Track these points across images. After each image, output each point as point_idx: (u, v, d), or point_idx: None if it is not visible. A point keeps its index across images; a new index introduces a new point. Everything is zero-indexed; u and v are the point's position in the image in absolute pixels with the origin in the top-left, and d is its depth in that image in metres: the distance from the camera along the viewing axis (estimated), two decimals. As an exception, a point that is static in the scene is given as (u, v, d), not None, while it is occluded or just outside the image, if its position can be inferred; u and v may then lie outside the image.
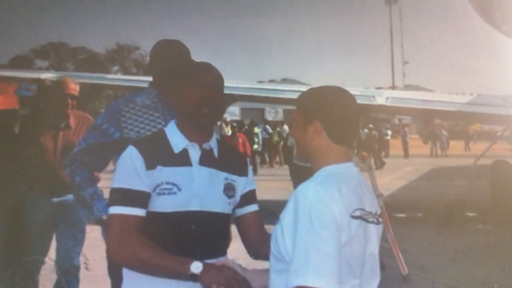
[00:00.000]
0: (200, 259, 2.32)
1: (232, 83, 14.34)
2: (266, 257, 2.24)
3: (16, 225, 4.82)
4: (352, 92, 2.31)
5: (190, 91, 2.53)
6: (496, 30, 15.05)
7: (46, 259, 5.06)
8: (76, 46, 60.28)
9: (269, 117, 49.34)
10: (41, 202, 4.90)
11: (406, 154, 34.42)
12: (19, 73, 18.03)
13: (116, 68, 60.65)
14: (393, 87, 48.46)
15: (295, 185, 2.03)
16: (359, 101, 2.33)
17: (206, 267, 2.27)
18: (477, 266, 8.19)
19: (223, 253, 2.66)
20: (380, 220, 2.25)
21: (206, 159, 2.59)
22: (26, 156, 4.86)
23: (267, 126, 29.97)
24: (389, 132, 35.62)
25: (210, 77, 2.59)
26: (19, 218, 4.83)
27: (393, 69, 57.01)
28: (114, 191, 2.47)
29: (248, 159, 2.97)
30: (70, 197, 4.78)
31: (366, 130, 28.87)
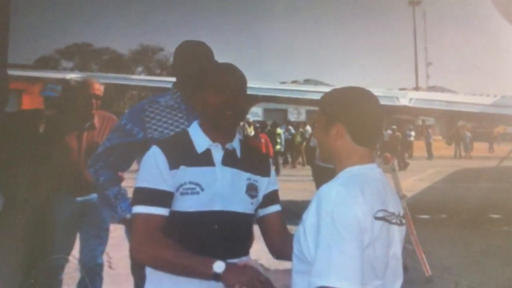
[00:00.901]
0: (223, 259, 2.32)
1: (255, 84, 14.34)
2: (288, 258, 2.24)
3: (41, 224, 4.85)
4: (375, 93, 2.31)
5: (213, 93, 2.54)
6: None
7: (70, 258, 5.09)
8: (100, 47, 60.71)
9: (292, 118, 49.32)
10: (66, 201, 4.93)
11: (430, 156, 34.25)
12: (44, 73, 18.20)
13: (140, 69, 60.99)
14: (416, 88, 48.24)
15: (318, 186, 2.03)
16: (382, 102, 2.32)
17: (228, 267, 2.28)
18: (501, 268, 8.11)
19: (246, 253, 2.66)
20: (403, 221, 2.24)
21: (229, 160, 2.60)
22: (51, 156, 4.89)
23: (290, 127, 29.96)
24: (413, 133, 35.48)
25: (233, 78, 2.59)
26: (43, 218, 4.85)
27: (417, 71, 56.79)
28: (137, 191, 2.49)
29: (270, 160, 2.96)
30: (94, 196, 4.81)
31: (389, 131, 28.76)
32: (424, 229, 9.79)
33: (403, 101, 13.86)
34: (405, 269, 2.27)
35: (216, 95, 2.53)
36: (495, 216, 12.63)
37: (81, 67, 54.70)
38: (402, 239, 2.23)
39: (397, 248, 2.17)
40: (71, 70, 47.93)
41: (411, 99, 14.13)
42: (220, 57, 3.35)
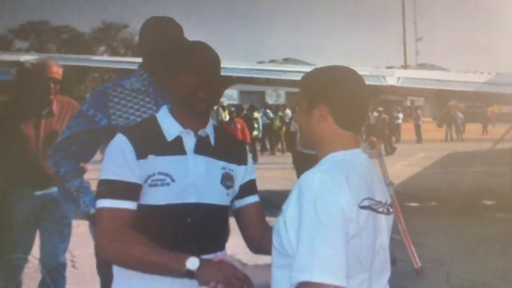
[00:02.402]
0: (197, 254, 2.32)
1: (230, 64, 14.30)
2: (267, 252, 2.23)
3: None
4: (361, 72, 2.31)
5: (184, 74, 2.52)
6: None
7: (30, 257, 5.07)
8: (58, 25, 60.24)
9: (270, 100, 49.33)
10: (23, 196, 4.90)
11: (419, 139, 34.51)
12: (-4, 55, 18.02)
13: (102, 48, 60.64)
14: (405, 66, 48.44)
15: (299, 174, 2.03)
16: (368, 82, 2.33)
17: (203, 263, 2.27)
18: (496, 257, 8.21)
19: (222, 248, 2.67)
20: (391, 210, 2.25)
21: (202, 147, 2.59)
22: (6, 147, 4.86)
23: (268, 111, 29.98)
24: (401, 115, 35.67)
25: (206, 58, 2.58)
26: (0, 213, 4.83)
27: (405, 47, 57.01)
28: (102, 183, 2.47)
29: (247, 147, 2.96)
30: (54, 190, 4.79)
31: (375, 114, 28.90)
32: (413, 218, 9.88)
33: (390, 81, 13.93)
34: (393, 260, 2.30)
35: (188, 76, 2.51)
36: (489, 202, 12.78)
37: (37, 47, 54.25)
38: (390, 229, 2.25)
39: (384, 239, 2.18)
40: (26, 51, 47.50)
41: (399, 78, 14.20)
42: (191, 35, 3.34)
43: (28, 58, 12.39)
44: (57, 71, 4.98)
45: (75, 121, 3.52)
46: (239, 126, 19.14)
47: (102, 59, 24.54)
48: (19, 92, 5.11)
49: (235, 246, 2.84)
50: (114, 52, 57.23)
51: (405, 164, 21.45)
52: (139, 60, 3.53)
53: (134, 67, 3.62)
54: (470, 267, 7.85)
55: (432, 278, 7.39)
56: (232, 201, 2.70)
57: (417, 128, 35.31)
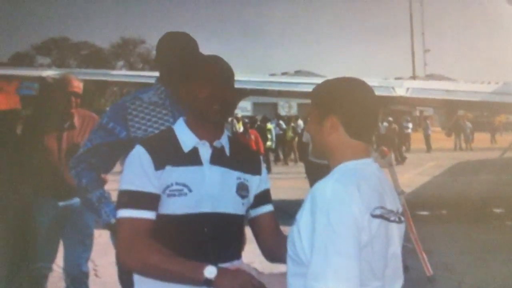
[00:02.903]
0: (214, 263, 2.32)
1: (243, 76, 14.31)
2: (282, 260, 2.23)
3: (22, 231, 4.84)
4: (370, 83, 2.30)
5: (199, 87, 2.53)
6: None
7: (54, 266, 5.08)
8: (78, 41, 60.58)
9: (283, 112, 49.31)
10: (47, 206, 4.92)
11: (429, 148, 34.34)
12: (19, 71, 18.10)
13: (121, 63, 60.89)
14: (413, 77, 48.29)
15: (312, 183, 2.02)
16: (377, 92, 2.32)
17: (220, 271, 2.27)
18: (506, 265, 8.15)
19: (238, 256, 2.66)
20: (402, 218, 2.24)
21: (218, 158, 2.59)
22: (30, 159, 4.88)
23: (281, 122, 29.95)
24: (410, 125, 35.54)
25: (220, 71, 2.59)
26: (24, 224, 4.85)
27: (414, 58, 56.85)
28: (122, 194, 2.48)
29: (261, 157, 2.96)
30: (76, 200, 4.80)
31: (385, 124, 28.81)
32: (424, 226, 9.82)
33: (400, 91, 13.88)
34: (406, 269, 2.28)
35: (203, 89, 2.52)
36: (498, 210, 12.69)
37: (58, 63, 54.56)
38: (402, 238, 2.24)
39: (396, 247, 2.17)
40: (48, 66, 47.75)
41: (408, 88, 14.15)
42: (205, 49, 3.35)
43: (50, 73, 12.47)
44: (78, 86, 5.01)
45: (95, 133, 3.53)
46: (253, 137, 19.15)
47: (120, 74, 24.61)
48: (42, 106, 5.14)
49: (251, 255, 2.83)
50: (132, 67, 57.44)
51: (415, 173, 21.36)
52: (156, 74, 3.53)
53: (152, 81, 3.63)
54: (481, 274, 7.79)
55: (444, 285, 7.33)
56: (247, 211, 2.70)
57: (427, 138, 35.17)
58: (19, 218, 4.83)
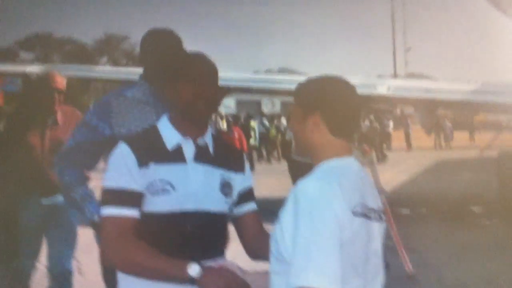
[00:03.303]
0: (198, 261, 2.31)
1: (227, 74, 14.29)
2: (265, 258, 2.24)
3: (4, 228, 4.81)
4: (352, 81, 2.31)
5: (183, 84, 2.53)
6: (502, 13, 15.05)
7: (37, 264, 5.05)
8: (62, 36, 60.27)
9: (266, 109, 49.26)
10: (30, 203, 4.89)
11: (409, 147, 34.49)
12: (2, 66, 17.96)
13: (105, 59, 60.63)
14: (394, 76, 48.44)
15: (294, 181, 2.02)
16: (359, 90, 2.32)
17: (204, 269, 2.27)
18: (485, 262, 8.22)
19: (221, 254, 2.66)
20: (383, 216, 2.25)
21: (201, 156, 2.59)
22: (12, 156, 4.84)
23: (264, 120, 29.95)
24: (391, 123, 35.66)
25: (204, 68, 2.59)
26: (7, 221, 4.82)
27: (395, 56, 57.07)
28: (106, 192, 2.47)
29: (244, 155, 2.96)
30: (60, 198, 4.77)
31: (367, 122, 28.91)
32: (405, 224, 9.88)
33: (381, 90, 13.93)
34: (387, 266, 2.29)
35: (186, 86, 2.52)
36: (477, 208, 12.76)
37: (42, 58, 54.21)
38: (382, 235, 2.25)
39: (377, 245, 2.18)
40: (32, 62, 47.45)
41: (389, 87, 14.21)
42: (190, 46, 3.33)
43: (33, 68, 12.37)
44: (61, 82, 4.97)
45: (79, 130, 3.50)
46: (236, 134, 19.14)
47: (104, 70, 24.53)
48: (25, 102, 5.10)
49: (234, 252, 2.83)
50: (116, 63, 57.20)
51: (396, 171, 21.45)
52: (140, 70, 3.52)
53: (136, 77, 3.61)
54: (459, 271, 7.86)
55: (424, 282, 7.37)
56: (231, 209, 2.70)
57: (407, 136, 35.32)
58: (1, 215, 4.79)
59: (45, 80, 4.94)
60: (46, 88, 4.88)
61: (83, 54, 56.43)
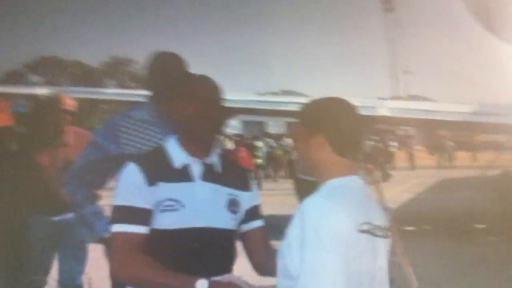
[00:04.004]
0: (206, 277, 2.33)
1: (232, 96, 14.32)
2: (272, 273, 2.25)
3: (17, 245, 4.82)
4: (354, 103, 2.32)
5: (188, 105, 2.55)
6: (495, 37, 15.11)
7: (49, 279, 5.06)
8: (70, 59, 60.39)
9: (271, 130, 49.25)
10: (41, 221, 4.90)
11: (412, 166, 34.41)
12: (12, 88, 18.00)
13: (112, 82, 60.70)
14: (395, 98, 48.46)
15: (300, 199, 2.02)
16: (361, 112, 2.34)
17: (212, 285, 2.28)
18: (488, 278, 8.18)
19: (229, 270, 2.66)
20: (388, 233, 2.25)
21: (209, 175, 2.61)
22: (24, 175, 4.86)
23: (269, 140, 29.95)
24: (394, 143, 35.64)
25: (207, 89, 2.61)
26: (19, 239, 4.83)
27: (393, 79, 57.18)
28: (115, 209, 2.49)
29: (251, 174, 2.97)
30: (70, 215, 4.79)
31: (371, 142, 28.88)
32: (409, 241, 9.82)
33: (383, 111, 13.94)
34: (392, 282, 2.29)
35: (192, 107, 2.54)
36: (480, 226, 12.71)
37: (50, 81, 54.31)
38: (388, 252, 2.25)
39: (383, 261, 2.18)
40: (40, 85, 47.53)
41: (389, 108, 14.22)
42: (194, 68, 3.35)
43: (42, 91, 12.43)
44: (70, 103, 5.00)
45: (88, 150, 3.53)
46: (243, 154, 19.12)
47: (111, 92, 24.57)
48: (35, 123, 5.12)
49: (242, 268, 2.83)
50: (122, 85, 57.21)
51: (400, 190, 21.37)
52: (146, 92, 3.54)
53: (142, 99, 3.63)
54: (463, 287, 7.82)
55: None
56: (238, 226, 2.71)
57: (410, 156, 35.28)
58: (14, 233, 4.80)
59: (54, 101, 4.97)
60: (55, 109, 4.91)
61: (90, 77, 56.52)
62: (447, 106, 14.66)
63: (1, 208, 4.77)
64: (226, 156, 2.88)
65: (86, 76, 57.28)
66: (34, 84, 49.06)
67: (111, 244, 2.51)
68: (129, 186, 2.49)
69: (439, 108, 14.61)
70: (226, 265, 2.65)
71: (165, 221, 2.48)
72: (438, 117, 14.12)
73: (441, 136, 35.91)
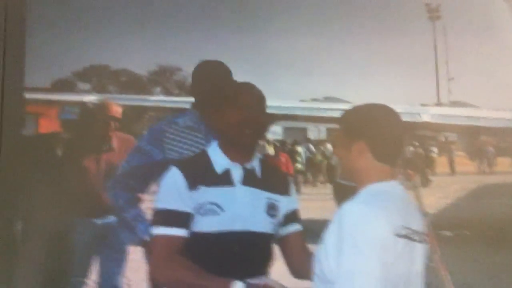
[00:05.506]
0: (243, 279, 2.33)
1: (274, 102, 14.34)
2: (308, 277, 2.24)
3: (60, 248, 4.86)
4: (397, 109, 2.30)
5: (232, 112, 2.55)
6: None
7: (88, 281, 5.09)
8: (117, 68, 61.08)
9: (312, 136, 49.13)
10: (85, 224, 4.95)
11: (453, 172, 34.01)
12: (61, 96, 18.32)
13: (158, 89, 61.19)
14: (438, 104, 47.99)
15: (339, 204, 2.01)
16: (403, 118, 2.31)
17: (248, 287, 2.28)
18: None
19: (266, 273, 2.66)
20: (426, 239, 2.23)
21: (249, 179, 2.61)
22: (70, 179, 4.91)
23: (310, 145, 29.90)
24: (435, 149, 35.27)
25: (252, 97, 2.61)
26: (62, 241, 4.87)
27: (438, 86, 56.48)
28: (156, 212, 2.51)
29: (290, 178, 2.96)
30: (112, 218, 4.83)
31: (411, 148, 28.61)
32: (447, 246, 9.70)
33: (425, 117, 13.82)
34: (428, 287, 2.26)
35: (235, 114, 2.54)
36: (518, 233, 12.50)
37: (98, 89, 54.98)
38: (425, 257, 2.22)
39: (419, 266, 2.16)
40: (89, 92, 48.17)
41: (432, 114, 14.09)
42: (238, 76, 3.35)
43: (90, 98, 12.60)
44: (116, 110, 5.04)
45: (133, 156, 3.55)
46: (283, 159, 19.09)
47: (157, 99, 24.80)
48: (82, 129, 5.18)
49: (279, 272, 2.82)
50: (168, 93, 57.65)
51: (440, 195, 21.11)
52: (191, 99, 3.55)
53: (187, 106, 3.64)
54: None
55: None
56: (277, 230, 2.70)
57: (451, 162, 34.88)
58: (57, 236, 4.85)
59: (101, 108, 5.01)
60: (102, 116, 4.95)
61: (137, 85, 57.11)
62: (489, 113, 14.49)
63: (47, 212, 4.82)
64: (267, 161, 2.88)
65: (133, 83, 57.83)
66: (83, 91, 49.70)
67: (152, 247, 2.53)
68: (170, 190, 2.51)
69: (481, 114, 14.45)
70: (263, 268, 2.65)
71: (205, 225, 2.49)
72: (480, 123, 13.96)
73: (483, 142, 35.44)
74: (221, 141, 2.67)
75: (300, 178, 25.20)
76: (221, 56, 3.62)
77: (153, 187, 3.45)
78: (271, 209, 2.63)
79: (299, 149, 26.19)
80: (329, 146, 28.43)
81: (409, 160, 26.32)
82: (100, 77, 58.95)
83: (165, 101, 20.78)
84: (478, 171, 34.80)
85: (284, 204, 2.71)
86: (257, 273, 2.55)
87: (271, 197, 2.65)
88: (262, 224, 2.60)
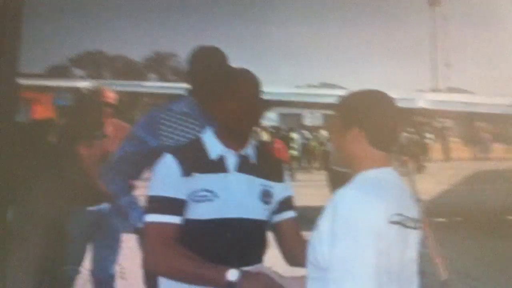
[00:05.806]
0: (237, 266, 2.32)
1: (269, 88, 14.31)
2: (303, 264, 2.23)
3: (53, 234, 4.86)
4: (392, 95, 2.29)
5: (228, 99, 2.54)
6: None
7: (82, 269, 5.10)
8: (113, 54, 60.98)
9: (307, 122, 49.14)
10: (78, 211, 4.94)
11: (447, 158, 34.08)
12: (55, 82, 18.30)
13: (153, 75, 61.14)
14: (434, 90, 47.97)
15: (333, 191, 2.02)
16: (399, 104, 2.31)
17: (243, 274, 2.28)
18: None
19: (260, 260, 2.66)
20: (420, 225, 2.23)
21: (243, 166, 2.60)
22: (63, 166, 4.90)
23: (305, 132, 29.94)
24: (430, 135, 35.32)
25: (248, 84, 2.60)
26: (55, 228, 4.87)
27: (435, 72, 56.44)
28: (150, 199, 2.50)
29: (285, 165, 2.95)
30: (105, 205, 4.83)
31: (406, 134, 28.65)
32: (441, 233, 9.73)
33: (420, 103, 13.84)
34: (422, 273, 2.26)
35: (231, 100, 2.53)
36: (512, 218, 12.57)
37: (93, 75, 54.89)
38: (419, 244, 2.22)
39: (413, 252, 2.16)
40: (83, 78, 48.07)
41: (428, 100, 14.11)
42: (234, 62, 3.34)
43: (85, 84, 12.57)
44: (110, 96, 5.03)
45: (127, 142, 3.54)
46: (278, 146, 19.10)
47: (152, 85, 24.76)
48: (76, 116, 5.16)
49: (273, 258, 2.82)
50: (164, 79, 57.57)
51: (434, 181, 21.17)
52: (187, 85, 3.54)
53: (182, 92, 3.63)
54: (493, 280, 7.75)
55: (458, 288, 7.29)
56: (271, 216, 2.70)
57: (446, 148, 34.94)
58: (51, 222, 4.84)
59: (95, 94, 5.00)
60: (96, 102, 4.93)
61: (132, 71, 57.01)
62: (485, 99, 14.51)
63: (40, 198, 4.81)
64: (262, 147, 2.88)
65: (128, 70, 57.79)
66: (77, 77, 49.59)
67: (146, 234, 2.52)
68: (164, 177, 2.51)
69: (476, 101, 14.47)
70: (257, 255, 2.65)
71: (199, 212, 2.48)
72: (475, 109, 13.98)
73: (478, 128, 35.51)
74: (216, 127, 2.66)
75: (295, 164, 25.27)
76: (218, 42, 3.61)
77: (146, 174, 3.45)
78: (266, 196, 2.63)
79: (294, 135, 26.22)
80: (324, 132, 28.48)
81: (404, 146, 26.37)
82: (95, 63, 58.88)
83: (160, 87, 20.70)
84: (473, 157, 34.85)
85: (278, 191, 2.71)
86: (251, 260, 2.56)
87: (265, 184, 2.65)
88: (257, 211, 2.59)
